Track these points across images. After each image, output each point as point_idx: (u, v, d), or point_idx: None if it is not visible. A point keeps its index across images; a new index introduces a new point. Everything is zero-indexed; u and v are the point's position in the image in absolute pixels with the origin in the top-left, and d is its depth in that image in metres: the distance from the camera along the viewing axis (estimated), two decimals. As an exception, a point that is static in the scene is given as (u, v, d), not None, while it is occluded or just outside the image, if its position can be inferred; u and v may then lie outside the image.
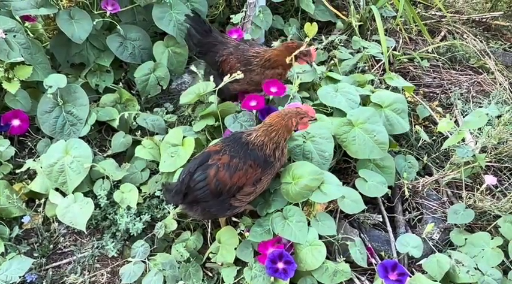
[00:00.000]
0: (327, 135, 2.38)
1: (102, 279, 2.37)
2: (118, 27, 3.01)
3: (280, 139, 2.13)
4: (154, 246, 2.41)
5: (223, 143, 2.17)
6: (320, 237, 2.23)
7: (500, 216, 2.37)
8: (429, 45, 3.77)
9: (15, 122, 2.73)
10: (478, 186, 2.56)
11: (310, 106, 2.25)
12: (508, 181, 2.66)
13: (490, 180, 2.35)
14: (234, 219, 2.34)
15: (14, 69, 2.68)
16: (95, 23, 2.90)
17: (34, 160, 2.60)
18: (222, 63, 2.76)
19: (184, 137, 2.51)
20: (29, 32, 2.88)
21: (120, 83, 3.14)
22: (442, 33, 3.98)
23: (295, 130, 2.21)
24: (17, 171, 2.63)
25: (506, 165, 2.76)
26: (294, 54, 2.62)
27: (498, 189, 2.63)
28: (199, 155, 2.17)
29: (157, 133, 2.77)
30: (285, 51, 2.65)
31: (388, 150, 2.47)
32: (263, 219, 2.25)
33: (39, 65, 2.83)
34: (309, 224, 2.21)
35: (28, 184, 2.57)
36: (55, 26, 2.98)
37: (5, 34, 2.60)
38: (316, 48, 2.96)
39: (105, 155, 2.79)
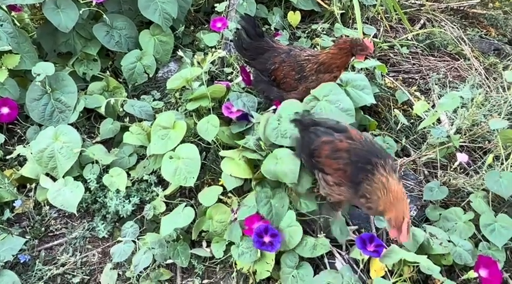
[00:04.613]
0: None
1: (94, 259, 2.45)
2: (104, 16, 3.07)
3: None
4: (144, 227, 2.50)
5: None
6: (303, 215, 2.36)
7: (473, 193, 2.50)
8: (409, 32, 3.89)
9: (4, 110, 2.78)
10: (453, 165, 2.69)
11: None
12: (480, 160, 2.80)
13: (461, 157, 2.47)
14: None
15: (1, 58, 2.74)
16: (81, 12, 2.95)
17: (24, 147, 2.66)
18: (274, 71, 2.67)
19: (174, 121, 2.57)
20: (16, 22, 2.92)
21: (107, 71, 3.20)
22: (422, 21, 4.10)
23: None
24: (7, 157, 2.69)
25: (479, 145, 2.90)
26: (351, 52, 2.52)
27: (471, 168, 2.76)
28: None
29: (145, 120, 2.84)
30: (339, 52, 2.54)
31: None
32: (249, 199, 2.36)
33: (27, 54, 2.88)
34: (291, 202, 2.33)
35: (18, 170, 2.63)
36: (41, 15, 3.03)
37: (-8, 23, 2.65)
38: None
39: (93, 141, 2.85)
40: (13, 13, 2.98)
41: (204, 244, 2.44)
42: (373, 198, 1.94)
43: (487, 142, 2.89)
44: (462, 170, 2.77)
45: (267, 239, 2.19)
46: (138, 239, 2.38)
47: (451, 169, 2.61)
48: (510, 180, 2.30)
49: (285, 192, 2.35)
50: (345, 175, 2.04)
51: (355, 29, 3.69)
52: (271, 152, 2.35)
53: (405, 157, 2.82)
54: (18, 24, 3.02)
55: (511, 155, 2.42)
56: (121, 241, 2.37)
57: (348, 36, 3.42)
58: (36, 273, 2.32)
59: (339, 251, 2.39)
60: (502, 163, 2.48)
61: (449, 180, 2.59)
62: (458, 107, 2.69)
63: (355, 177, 2.01)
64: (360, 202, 2.04)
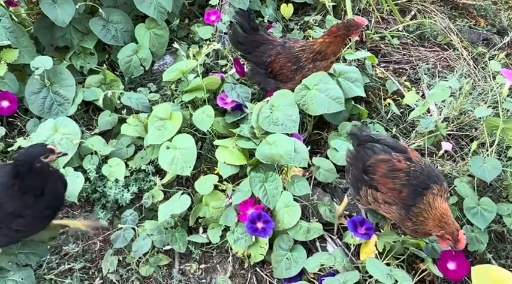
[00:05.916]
0: (290, 102, 2.57)
1: (95, 247, 2.54)
2: (100, 10, 3.12)
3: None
4: (142, 215, 2.59)
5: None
6: (296, 200, 2.45)
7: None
8: (400, 24, 3.96)
9: (4, 103, 2.84)
10: (440, 152, 2.79)
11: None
12: (467, 147, 2.90)
13: (446, 146, 2.57)
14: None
15: (0, 52, 2.79)
16: (77, 6, 3.00)
17: (25, 139, 2.73)
18: (271, 63, 2.75)
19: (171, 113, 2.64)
20: (13, 17, 2.97)
21: (104, 65, 3.27)
22: (412, 12, 4.16)
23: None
24: (9, 150, 2.76)
25: (466, 133, 3.00)
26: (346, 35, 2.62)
27: (458, 154, 2.86)
28: None
29: (142, 112, 2.91)
30: (336, 39, 2.62)
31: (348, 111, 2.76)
32: (244, 184, 2.45)
33: (25, 48, 2.94)
34: (285, 188, 2.42)
35: (19, 162, 2.70)
36: (38, 10, 3.08)
37: (-10, 18, 2.71)
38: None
39: (92, 133, 2.92)
40: (10, 8, 3.03)
41: (201, 230, 2.53)
42: (418, 219, 1.99)
43: (473, 129, 2.98)
44: (449, 157, 2.87)
45: (259, 225, 2.28)
46: (137, 226, 2.48)
47: (438, 156, 2.70)
48: (493, 165, 2.39)
49: (277, 175, 2.43)
50: (399, 196, 2.04)
51: (346, 20, 3.75)
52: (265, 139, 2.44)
53: (395, 145, 2.91)
54: (16, 19, 3.08)
55: (495, 142, 2.51)
56: (121, 228, 2.46)
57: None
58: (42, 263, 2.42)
59: (330, 235, 2.49)
60: (487, 150, 2.58)
61: (437, 166, 2.69)
62: (446, 97, 2.78)
63: (410, 200, 2.02)
64: (406, 225, 2.07)
